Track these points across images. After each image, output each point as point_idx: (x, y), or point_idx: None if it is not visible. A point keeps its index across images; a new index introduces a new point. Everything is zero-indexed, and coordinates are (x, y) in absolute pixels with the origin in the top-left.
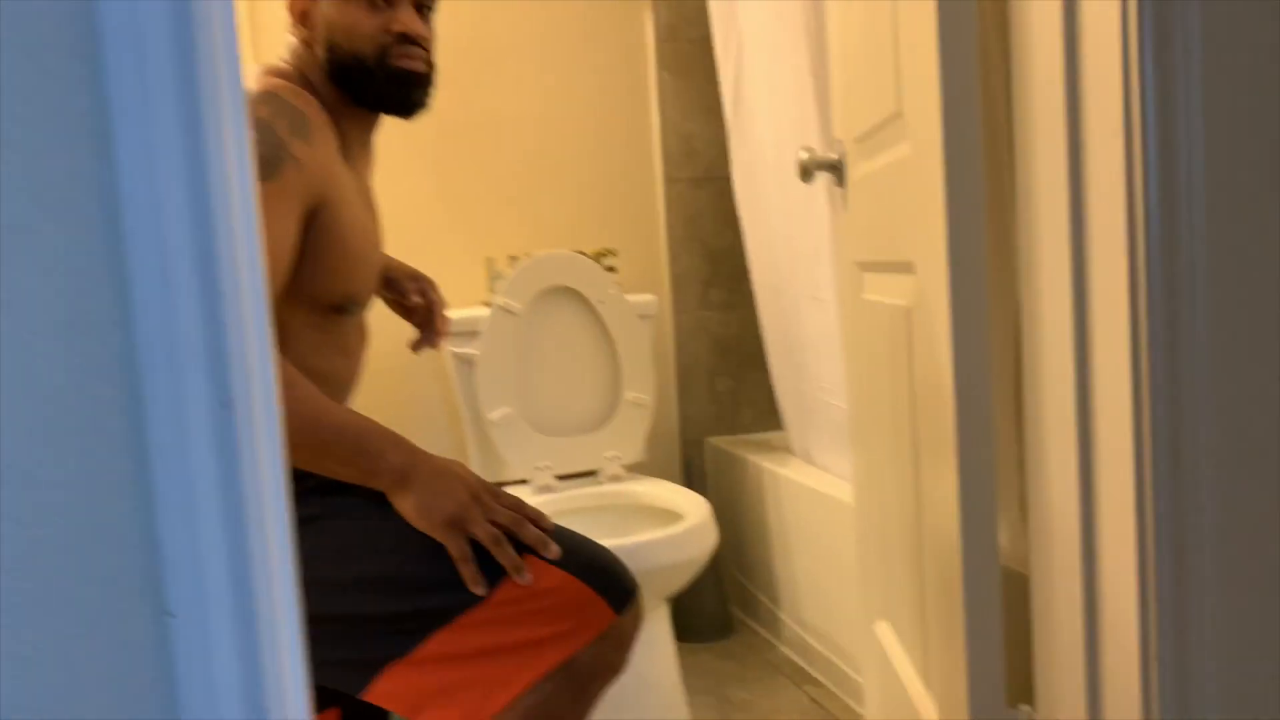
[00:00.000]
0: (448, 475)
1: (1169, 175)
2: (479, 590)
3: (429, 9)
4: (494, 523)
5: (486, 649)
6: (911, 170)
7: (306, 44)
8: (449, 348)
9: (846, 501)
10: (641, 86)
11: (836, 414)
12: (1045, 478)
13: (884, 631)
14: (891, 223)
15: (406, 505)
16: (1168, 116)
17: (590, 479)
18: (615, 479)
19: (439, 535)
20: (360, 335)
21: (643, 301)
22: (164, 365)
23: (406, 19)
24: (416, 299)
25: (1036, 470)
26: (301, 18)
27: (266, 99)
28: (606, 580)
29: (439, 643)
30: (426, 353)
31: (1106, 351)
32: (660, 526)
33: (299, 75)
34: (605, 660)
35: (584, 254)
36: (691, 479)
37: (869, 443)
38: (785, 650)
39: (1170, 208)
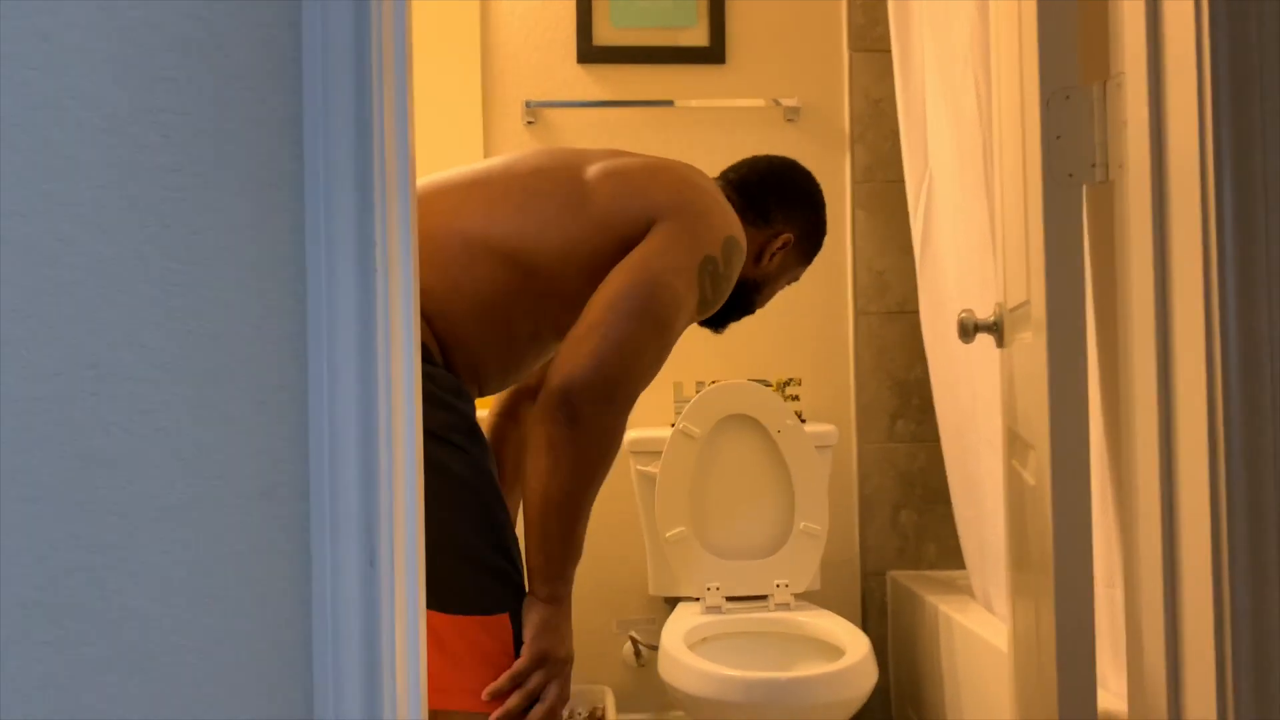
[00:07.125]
0: (570, 631)
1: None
2: (482, 700)
3: None
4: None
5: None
6: (1034, 358)
7: (739, 242)
8: (635, 465)
9: None
10: (837, 223)
11: None
12: (1140, 639)
13: None
14: (1026, 401)
15: (538, 615)
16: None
17: (759, 604)
18: (784, 606)
19: (530, 649)
20: None
21: (822, 431)
22: (328, 530)
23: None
24: None
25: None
26: (766, 240)
27: (738, 246)
28: None
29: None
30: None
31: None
32: (820, 660)
33: None
34: None
35: (768, 383)
36: (869, 612)
37: (1019, 605)
38: None
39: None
